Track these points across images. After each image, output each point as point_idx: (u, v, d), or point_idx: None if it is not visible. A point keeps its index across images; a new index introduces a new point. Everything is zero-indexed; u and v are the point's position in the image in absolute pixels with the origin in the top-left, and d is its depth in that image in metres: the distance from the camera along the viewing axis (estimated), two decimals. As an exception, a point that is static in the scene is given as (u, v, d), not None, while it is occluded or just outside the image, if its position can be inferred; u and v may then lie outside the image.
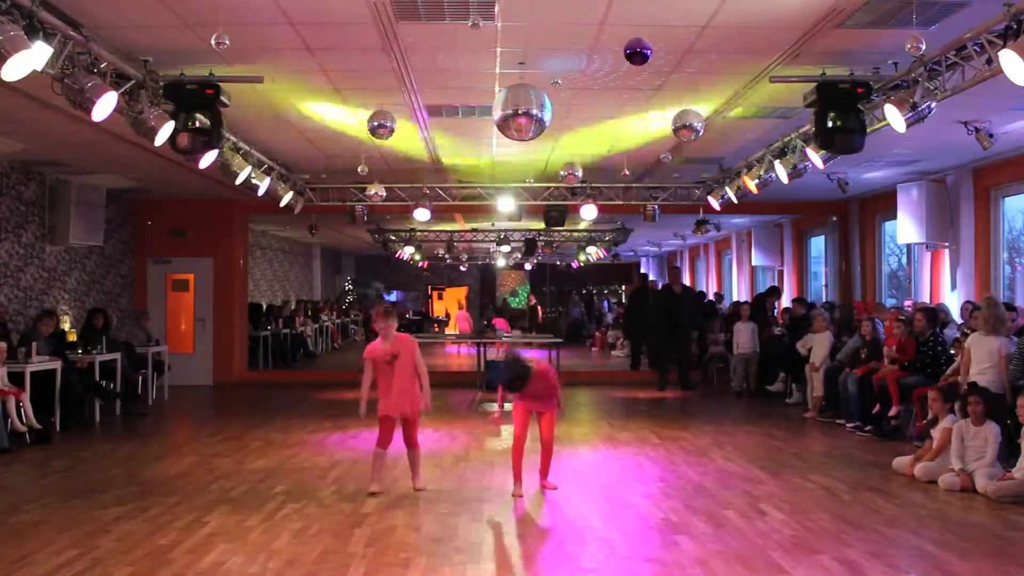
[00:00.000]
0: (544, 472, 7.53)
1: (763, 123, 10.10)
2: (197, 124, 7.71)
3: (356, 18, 6.56)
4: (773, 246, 19.73)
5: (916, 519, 6.46)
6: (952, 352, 9.75)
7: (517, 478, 7.31)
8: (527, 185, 13.34)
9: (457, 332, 25.21)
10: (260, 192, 11.32)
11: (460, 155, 12.30)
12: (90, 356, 11.57)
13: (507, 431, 10.73)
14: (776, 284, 18.89)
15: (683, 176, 13.83)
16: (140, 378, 12.94)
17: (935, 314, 10.53)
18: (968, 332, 9.25)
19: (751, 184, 11.21)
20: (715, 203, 13.15)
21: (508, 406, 7.53)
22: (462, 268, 32.84)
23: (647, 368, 17.05)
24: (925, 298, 13.34)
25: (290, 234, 24.28)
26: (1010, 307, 9.50)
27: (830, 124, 7.76)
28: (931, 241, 12.88)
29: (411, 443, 7.39)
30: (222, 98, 7.68)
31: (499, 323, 19.54)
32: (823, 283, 17.86)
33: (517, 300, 35.12)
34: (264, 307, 20.41)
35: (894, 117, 7.37)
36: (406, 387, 7.21)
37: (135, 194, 15.21)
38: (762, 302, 15.66)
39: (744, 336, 14.44)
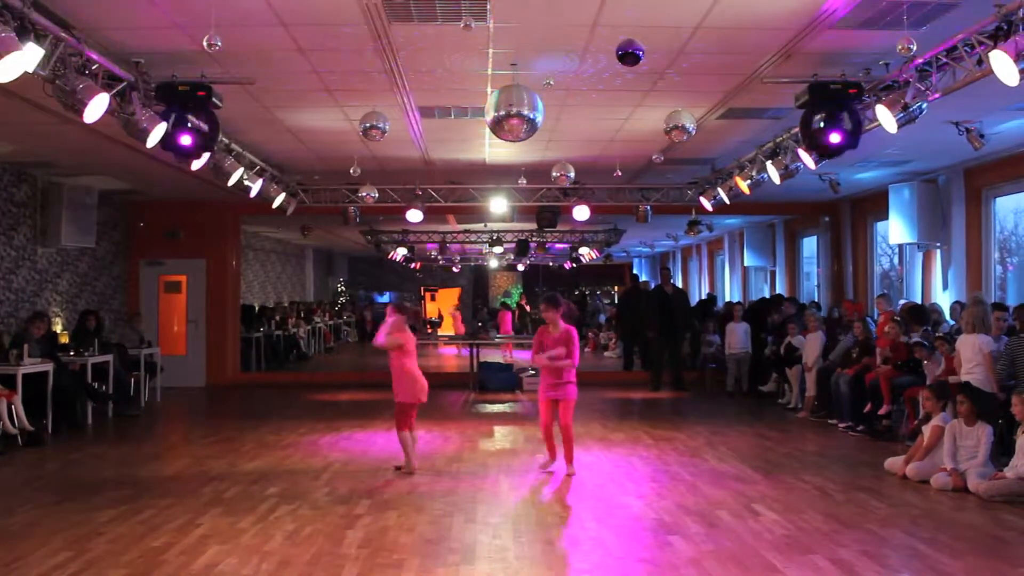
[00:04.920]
0: (568, 458, 8.12)
1: (755, 124, 10.12)
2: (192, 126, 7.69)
3: (348, 19, 6.56)
4: (765, 247, 19.78)
5: (909, 519, 6.48)
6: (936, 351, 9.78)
7: (552, 454, 8.30)
8: (519, 186, 13.33)
9: (451, 333, 25.22)
10: (253, 194, 11.31)
11: (452, 156, 12.30)
12: (82, 358, 11.54)
13: (500, 432, 10.77)
14: (778, 292, 18.92)
15: (675, 177, 13.85)
16: (132, 380, 12.92)
17: (921, 313, 10.59)
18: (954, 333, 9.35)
19: (743, 185, 11.24)
20: (707, 204, 13.17)
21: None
22: (455, 269, 32.83)
23: (640, 369, 17.08)
24: (917, 298, 13.39)
25: (283, 235, 24.25)
26: (1001, 307, 9.54)
27: (817, 126, 7.75)
28: (923, 241, 12.92)
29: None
30: (214, 99, 7.66)
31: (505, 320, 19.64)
32: (815, 283, 17.91)
33: (510, 300, 35.15)
34: (257, 309, 20.39)
35: (885, 118, 7.39)
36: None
37: (127, 196, 15.18)
38: (764, 310, 15.56)
39: (737, 337, 14.47)
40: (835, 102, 7.63)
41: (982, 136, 9.59)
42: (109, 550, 5.62)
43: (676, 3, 6.35)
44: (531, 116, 7.27)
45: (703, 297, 21.99)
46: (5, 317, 11.98)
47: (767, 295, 18.83)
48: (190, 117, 7.60)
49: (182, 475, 8.17)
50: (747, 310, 15.36)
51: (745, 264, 20.63)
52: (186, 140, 7.67)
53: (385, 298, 34.72)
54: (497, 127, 7.40)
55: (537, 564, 5.53)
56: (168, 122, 7.55)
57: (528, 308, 30.09)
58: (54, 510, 6.74)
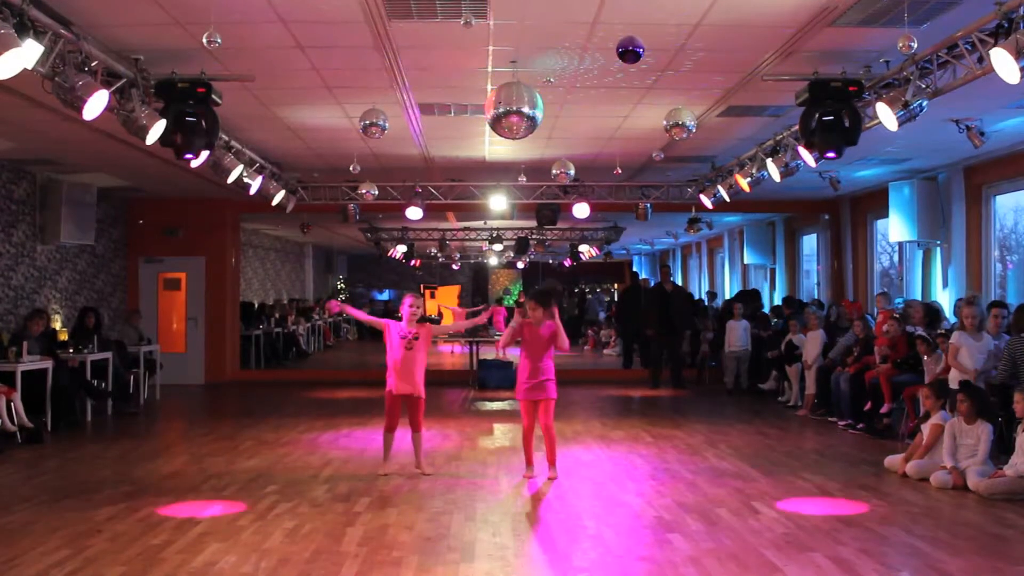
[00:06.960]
0: (551, 461, 7.88)
1: (755, 121, 10.11)
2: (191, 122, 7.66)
3: (348, 16, 6.55)
4: (765, 244, 19.78)
5: (908, 517, 6.47)
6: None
7: (529, 462, 7.91)
8: (519, 183, 13.32)
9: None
10: (252, 191, 11.29)
11: (452, 153, 12.29)
12: (81, 355, 11.53)
13: (500, 430, 10.76)
14: (753, 287, 19.03)
15: (675, 174, 13.84)
16: (132, 377, 12.91)
17: (933, 313, 10.59)
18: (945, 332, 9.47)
19: (743, 182, 11.23)
20: (707, 201, 13.16)
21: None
22: (454, 267, 32.84)
23: (639, 366, 17.07)
24: (916, 296, 13.38)
25: (282, 233, 24.24)
26: (1000, 304, 9.52)
27: (819, 123, 7.72)
28: (923, 239, 12.92)
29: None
30: (213, 96, 7.64)
31: (498, 316, 19.37)
32: (815, 281, 17.91)
33: (508, 298, 35.17)
34: (256, 306, 20.37)
35: (886, 115, 7.37)
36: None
37: (126, 193, 15.17)
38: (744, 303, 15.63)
39: (736, 334, 14.46)
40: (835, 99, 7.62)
41: (982, 134, 9.58)
42: (108, 548, 5.61)
43: (676, 0, 6.34)
44: (531, 113, 7.26)
45: (692, 292, 22.03)
46: (4, 314, 11.97)
47: (764, 292, 18.95)
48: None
49: (181, 473, 8.16)
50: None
51: (745, 262, 20.63)
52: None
53: (384, 296, 34.74)
54: (497, 124, 7.39)
55: (536, 562, 5.53)
56: (167, 119, 7.53)
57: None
58: (53, 508, 6.73)
